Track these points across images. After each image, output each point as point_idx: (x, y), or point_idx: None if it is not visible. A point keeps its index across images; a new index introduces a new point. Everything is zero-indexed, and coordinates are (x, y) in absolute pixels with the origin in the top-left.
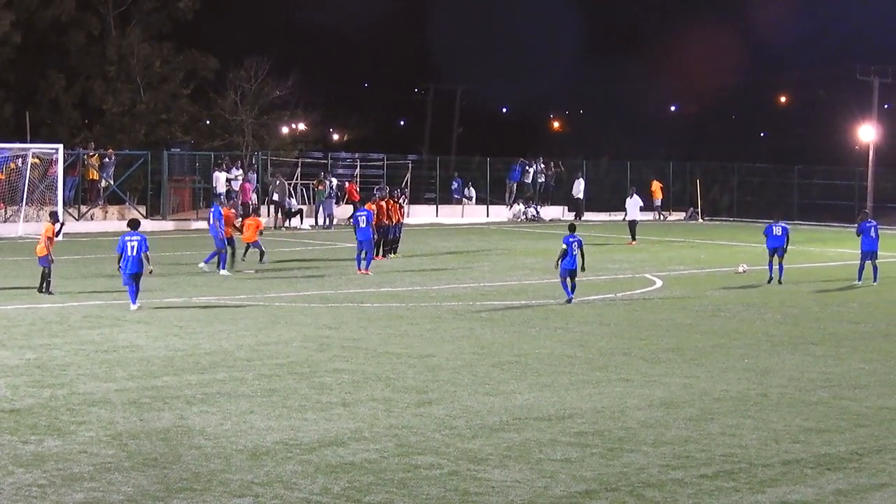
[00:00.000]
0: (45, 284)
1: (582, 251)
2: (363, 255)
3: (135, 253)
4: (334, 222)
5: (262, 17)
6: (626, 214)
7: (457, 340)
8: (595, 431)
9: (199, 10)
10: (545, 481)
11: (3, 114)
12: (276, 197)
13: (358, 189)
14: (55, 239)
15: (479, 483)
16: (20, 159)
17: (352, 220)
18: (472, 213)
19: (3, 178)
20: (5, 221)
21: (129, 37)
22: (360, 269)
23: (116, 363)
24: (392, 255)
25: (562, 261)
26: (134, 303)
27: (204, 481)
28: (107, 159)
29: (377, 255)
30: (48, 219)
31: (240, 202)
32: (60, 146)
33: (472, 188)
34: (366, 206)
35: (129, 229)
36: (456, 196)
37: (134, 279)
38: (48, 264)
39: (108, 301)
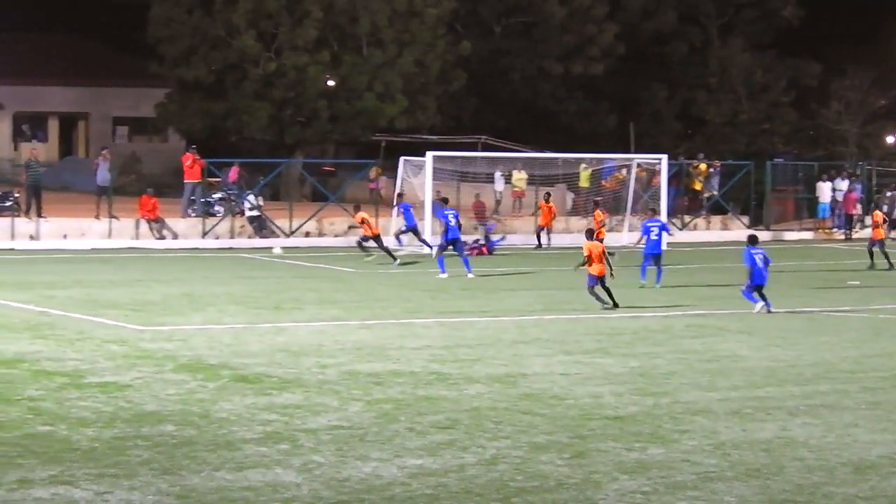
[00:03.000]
0: None
1: None
2: None
3: (762, 265)
4: None
5: (866, 24)
6: None
7: None
8: None
9: (803, 18)
10: None
11: (608, 124)
12: (885, 208)
13: None
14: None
15: None
16: (625, 169)
17: None
18: None
19: (609, 186)
20: (610, 230)
21: (730, 47)
22: None
23: (718, 373)
24: None
25: None
26: (765, 305)
27: (807, 494)
28: (711, 169)
29: None
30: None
31: (843, 213)
32: (664, 156)
33: None
34: None
35: (749, 244)
36: None
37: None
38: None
39: (710, 311)
